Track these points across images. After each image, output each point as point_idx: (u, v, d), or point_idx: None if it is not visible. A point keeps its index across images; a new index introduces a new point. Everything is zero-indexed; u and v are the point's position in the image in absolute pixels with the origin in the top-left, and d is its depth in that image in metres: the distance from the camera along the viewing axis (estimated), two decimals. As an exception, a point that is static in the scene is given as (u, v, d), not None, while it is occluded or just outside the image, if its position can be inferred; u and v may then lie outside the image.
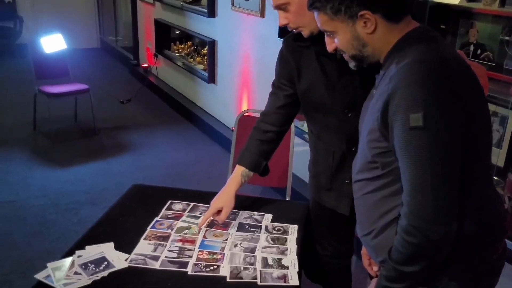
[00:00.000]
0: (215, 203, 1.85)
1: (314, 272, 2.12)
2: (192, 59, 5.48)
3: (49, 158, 4.16)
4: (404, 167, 1.12)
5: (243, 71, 4.21)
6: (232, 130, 4.23)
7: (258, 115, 3.08)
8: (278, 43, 3.52)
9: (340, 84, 1.65)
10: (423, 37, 1.19)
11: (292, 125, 2.73)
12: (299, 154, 2.90)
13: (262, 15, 3.75)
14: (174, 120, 5.24)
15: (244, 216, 1.96)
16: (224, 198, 1.86)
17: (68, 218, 3.24)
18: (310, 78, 1.72)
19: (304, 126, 3.48)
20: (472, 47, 2.45)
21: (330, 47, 1.34)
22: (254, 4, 3.81)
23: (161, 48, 5.96)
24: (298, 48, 1.73)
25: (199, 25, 4.95)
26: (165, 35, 5.94)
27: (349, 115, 1.66)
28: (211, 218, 1.85)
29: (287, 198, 2.69)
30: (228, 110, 4.55)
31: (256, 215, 1.98)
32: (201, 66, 5.17)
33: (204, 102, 5.11)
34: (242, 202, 2.14)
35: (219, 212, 1.84)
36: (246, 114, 2.81)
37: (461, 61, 1.18)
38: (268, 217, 1.97)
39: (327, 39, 1.34)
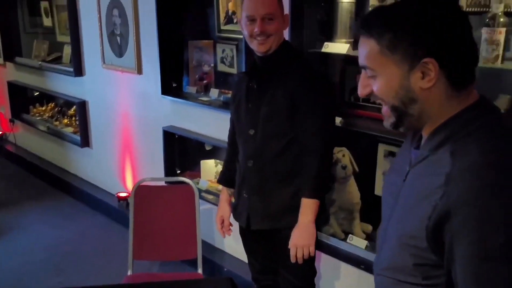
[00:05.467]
0: (216, 217, 2.22)
1: None
2: (57, 122, 4.97)
3: None
4: None
5: (123, 131, 3.90)
6: (118, 198, 3.87)
7: (156, 183, 2.84)
8: (162, 100, 3.35)
9: (252, 104, 1.94)
10: (488, 121, 0.97)
11: (195, 188, 2.53)
12: (202, 216, 2.69)
13: (139, 71, 3.53)
14: (45, 193, 4.63)
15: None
16: (220, 210, 2.22)
17: None
18: (238, 101, 2.03)
19: (200, 184, 3.30)
20: (361, 97, 2.52)
21: (363, 91, 1.03)
22: (128, 61, 3.57)
23: (18, 112, 5.33)
24: (241, 76, 2.10)
25: (64, 85, 4.51)
26: (22, 98, 5.34)
27: (251, 133, 1.95)
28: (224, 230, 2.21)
29: (199, 271, 2.46)
30: (109, 175, 4.16)
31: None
32: (70, 129, 4.70)
33: (79, 168, 4.62)
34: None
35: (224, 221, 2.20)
36: (142, 184, 2.54)
37: None
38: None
39: (362, 79, 1.03)
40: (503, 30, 1.89)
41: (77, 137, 4.42)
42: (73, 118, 4.73)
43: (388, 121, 1.03)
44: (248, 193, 2.01)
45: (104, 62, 3.84)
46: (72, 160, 4.69)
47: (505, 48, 1.92)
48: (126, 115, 3.82)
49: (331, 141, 1.98)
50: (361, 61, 1.01)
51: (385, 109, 1.03)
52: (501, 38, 1.90)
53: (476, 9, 2.00)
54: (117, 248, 3.44)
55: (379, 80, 0.99)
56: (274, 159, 1.93)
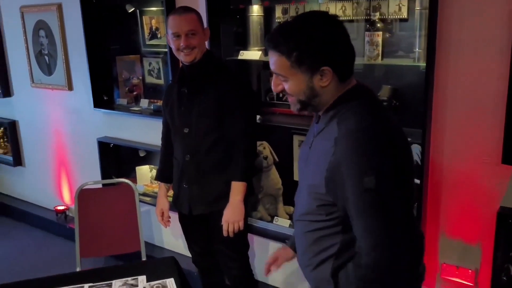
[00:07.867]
0: (156, 211, 2.47)
1: None
2: (-15, 145, 4.96)
3: None
4: (360, 226, 1.27)
5: (57, 146, 4.03)
6: (56, 211, 3.98)
7: (97, 185, 3.03)
8: (95, 113, 3.55)
9: (185, 107, 2.23)
10: (361, 98, 1.35)
11: (133, 186, 2.78)
12: (141, 216, 2.93)
13: (70, 88, 3.71)
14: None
15: (118, 284, 1.96)
16: (160, 204, 2.47)
17: None
18: (171, 106, 2.31)
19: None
20: (275, 92, 2.90)
21: (276, 88, 1.37)
22: (59, 79, 3.74)
23: None
24: (171, 85, 2.40)
25: (-9, 107, 4.55)
26: None
27: (186, 131, 2.24)
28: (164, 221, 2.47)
29: (143, 259, 2.71)
30: (45, 191, 4.25)
31: (130, 280, 1.99)
32: (-1, 150, 4.73)
33: (13, 187, 4.65)
34: (110, 272, 2.12)
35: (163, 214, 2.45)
36: (84, 188, 2.75)
37: (392, 122, 1.35)
38: (142, 278, 2.00)
39: (275, 80, 1.37)
40: (380, 33, 2.36)
41: (9, 157, 4.46)
42: (1, 140, 4.75)
43: (295, 107, 1.39)
44: (188, 184, 2.30)
45: (33, 82, 3.97)
46: (4, 180, 4.70)
47: (384, 47, 2.39)
48: (59, 131, 3.96)
49: (255, 136, 2.35)
50: (273, 69, 1.34)
51: (291, 98, 1.38)
52: (379, 39, 2.36)
53: (359, 17, 2.45)
54: (59, 258, 3.58)
55: (290, 83, 1.33)
56: (207, 152, 2.25)
